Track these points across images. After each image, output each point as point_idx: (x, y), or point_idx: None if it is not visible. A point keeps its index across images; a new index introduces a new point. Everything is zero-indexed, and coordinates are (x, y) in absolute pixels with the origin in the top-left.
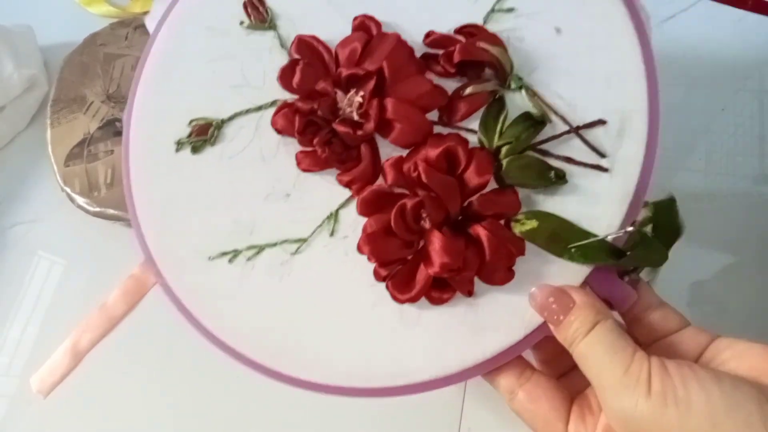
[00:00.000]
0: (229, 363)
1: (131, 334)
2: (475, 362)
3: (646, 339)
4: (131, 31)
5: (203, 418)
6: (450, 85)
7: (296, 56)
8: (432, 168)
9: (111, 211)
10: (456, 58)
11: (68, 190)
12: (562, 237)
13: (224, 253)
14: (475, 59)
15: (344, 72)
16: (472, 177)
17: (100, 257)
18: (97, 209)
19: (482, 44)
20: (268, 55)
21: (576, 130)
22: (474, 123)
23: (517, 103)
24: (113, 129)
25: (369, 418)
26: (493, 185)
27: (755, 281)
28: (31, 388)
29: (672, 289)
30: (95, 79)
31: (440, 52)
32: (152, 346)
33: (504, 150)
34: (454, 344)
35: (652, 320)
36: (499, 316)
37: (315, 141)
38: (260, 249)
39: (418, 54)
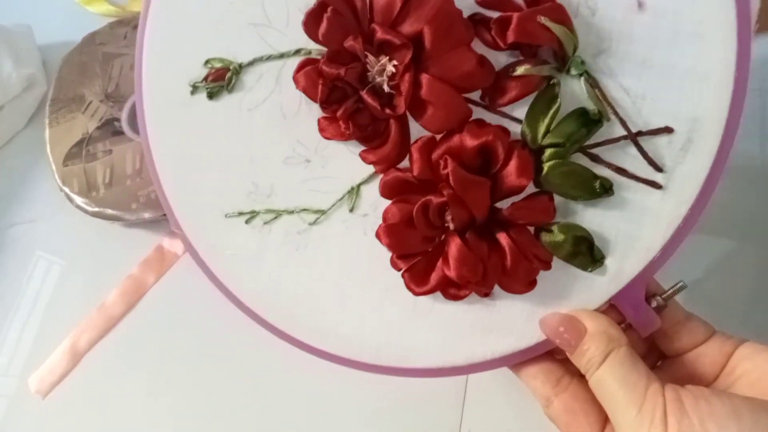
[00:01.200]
0: (228, 360)
1: (130, 334)
2: (483, 359)
3: (673, 353)
4: (130, 30)
5: (202, 417)
6: (499, 58)
7: None
8: (462, 170)
9: (110, 211)
10: (510, 37)
11: (67, 190)
12: (591, 252)
13: (242, 213)
14: (533, 42)
15: (378, 34)
16: (508, 178)
17: (99, 257)
18: (96, 209)
19: (544, 20)
20: None
21: (634, 138)
22: (519, 110)
23: (574, 91)
24: (112, 128)
25: (369, 417)
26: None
27: (755, 279)
28: (30, 388)
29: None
30: (94, 78)
31: (494, 14)
32: (151, 346)
33: (548, 152)
34: (463, 339)
35: (679, 335)
36: (513, 320)
37: (339, 113)
38: (278, 214)
39: (467, 12)
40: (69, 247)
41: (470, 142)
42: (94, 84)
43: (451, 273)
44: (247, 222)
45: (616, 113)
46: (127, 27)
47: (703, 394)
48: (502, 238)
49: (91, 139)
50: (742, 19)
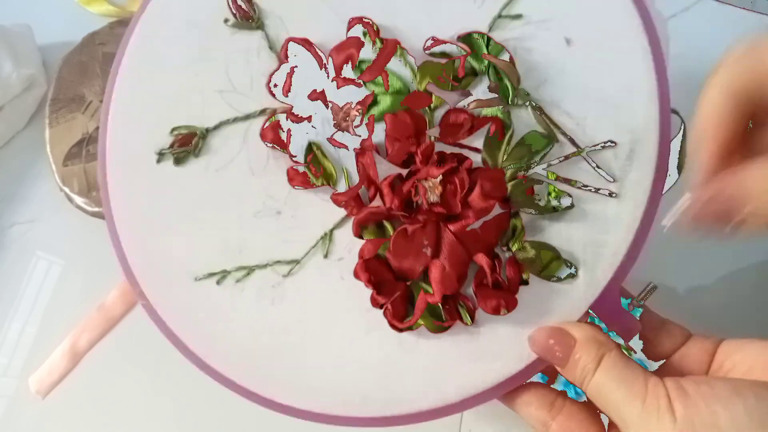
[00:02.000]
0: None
1: (129, 334)
2: (475, 391)
3: (656, 357)
4: None
5: (202, 417)
6: (452, 97)
7: (286, 61)
8: (432, 194)
9: None
10: (460, 73)
11: (67, 190)
12: (563, 264)
13: (212, 274)
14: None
15: (339, 84)
16: (476, 201)
17: (99, 257)
18: (96, 209)
19: (488, 56)
20: (256, 58)
21: (584, 154)
22: (478, 141)
23: (524, 119)
24: None
25: None
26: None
27: (756, 281)
28: (30, 388)
29: (672, 289)
30: (94, 78)
31: (443, 61)
32: (150, 346)
33: (509, 173)
34: (452, 372)
35: (660, 339)
36: (499, 345)
37: (308, 158)
38: (250, 270)
39: (419, 62)
40: (68, 247)
41: (436, 171)
42: (94, 84)
43: (435, 298)
44: (218, 283)
45: (564, 134)
46: (127, 27)
47: (704, 380)
48: (479, 258)
49: (91, 139)
50: (654, 42)
